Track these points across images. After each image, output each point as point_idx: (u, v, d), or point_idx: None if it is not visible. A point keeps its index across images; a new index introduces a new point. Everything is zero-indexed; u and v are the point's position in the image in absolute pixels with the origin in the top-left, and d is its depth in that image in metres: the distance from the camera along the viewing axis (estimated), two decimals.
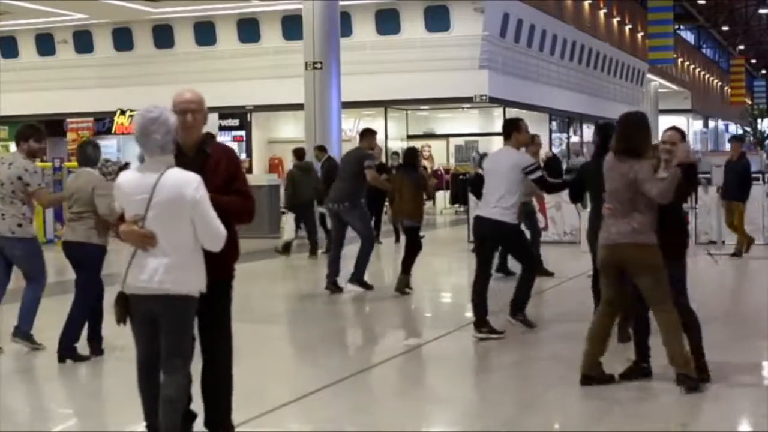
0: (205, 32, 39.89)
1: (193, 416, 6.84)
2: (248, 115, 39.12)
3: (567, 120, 48.58)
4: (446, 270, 14.89)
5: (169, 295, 6.08)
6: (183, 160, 6.33)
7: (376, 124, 37.95)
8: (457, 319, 12.25)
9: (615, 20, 57.29)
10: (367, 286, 14.76)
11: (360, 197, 14.74)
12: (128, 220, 6.13)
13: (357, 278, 14.76)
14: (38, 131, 10.69)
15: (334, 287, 14.63)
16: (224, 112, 38.27)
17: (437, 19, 36.87)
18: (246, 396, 8.45)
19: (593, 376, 8.29)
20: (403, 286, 14.34)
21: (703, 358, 8.43)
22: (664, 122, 67.20)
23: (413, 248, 14.47)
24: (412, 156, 14.92)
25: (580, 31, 48.95)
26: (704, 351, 8.46)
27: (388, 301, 14.10)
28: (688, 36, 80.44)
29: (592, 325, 8.44)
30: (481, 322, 10.89)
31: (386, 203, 19.17)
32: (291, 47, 32.56)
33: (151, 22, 40.33)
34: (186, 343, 6.28)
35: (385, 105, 37.00)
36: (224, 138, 39.01)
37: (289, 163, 35.71)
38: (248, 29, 39.21)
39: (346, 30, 32.63)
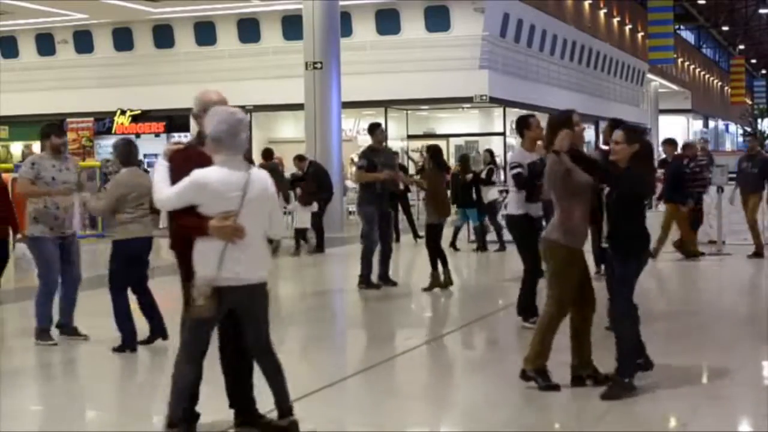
0: (205, 32, 39.89)
1: (197, 416, 7.00)
2: (248, 115, 38.97)
3: None
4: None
5: (262, 283, 6.71)
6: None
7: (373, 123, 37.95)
8: (458, 319, 12.25)
9: (615, 20, 57.29)
10: (373, 286, 14.81)
11: (366, 197, 14.91)
12: (221, 216, 6.46)
13: (362, 277, 14.87)
14: (57, 127, 11.14)
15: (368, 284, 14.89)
16: None
17: (437, 19, 36.87)
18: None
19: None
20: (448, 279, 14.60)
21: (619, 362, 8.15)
22: (665, 122, 67.46)
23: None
24: (442, 154, 15.33)
25: (581, 31, 48.95)
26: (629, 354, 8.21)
27: (391, 300, 14.10)
28: (689, 36, 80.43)
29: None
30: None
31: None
32: (291, 47, 32.58)
33: (151, 22, 40.33)
34: (267, 325, 6.87)
35: (386, 105, 36.97)
36: None
37: (289, 164, 35.82)
38: (248, 29, 39.21)
39: (346, 30, 32.62)
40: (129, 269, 10.41)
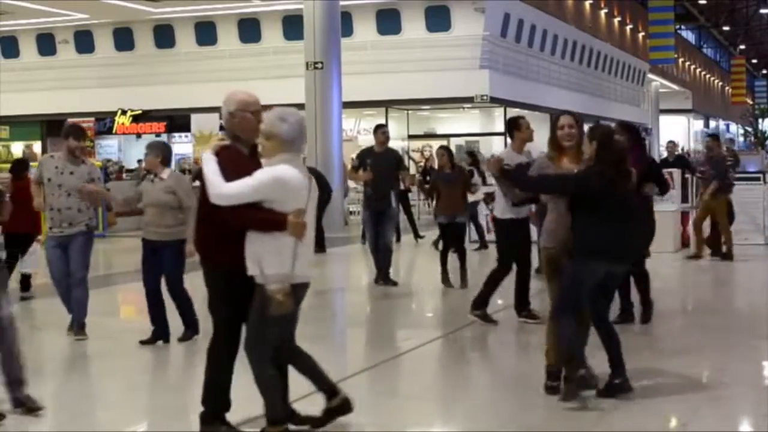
0: (205, 32, 39.90)
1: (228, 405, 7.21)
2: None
3: None
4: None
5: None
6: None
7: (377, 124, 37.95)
8: (459, 319, 12.24)
9: (616, 20, 57.29)
10: (391, 282, 15.03)
11: (363, 199, 15.37)
12: (297, 213, 6.60)
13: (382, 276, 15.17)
14: (79, 129, 11.18)
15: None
16: None
17: (438, 19, 36.87)
18: (248, 394, 8.46)
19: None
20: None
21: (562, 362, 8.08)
22: (665, 122, 67.44)
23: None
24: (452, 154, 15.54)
25: (581, 31, 48.95)
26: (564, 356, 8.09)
27: (392, 300, 14.10)
28: (689, 36, 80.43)
29: None
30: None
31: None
32: (292, 47, 32.59)
33: (151, 22, 40.33)
34: None
35: (386, 105, 36.99)
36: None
37: None
38: (249, 29, 39.21)
39: (347, 30, 32.63)
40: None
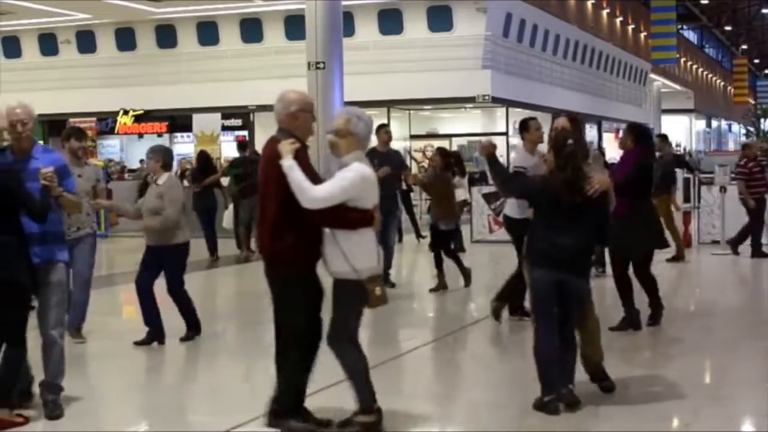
0: (207, 32, 39.90)
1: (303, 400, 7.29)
2: (251, 115, 39.09)
3: None
4: (453, 270, 14.90)
5: None
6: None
7: (379, 123, 37.96)
8: (461, 319, 12.24)
9: (618, 20, 57.29)
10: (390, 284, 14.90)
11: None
12: (377, 208, 6.91)
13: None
14: (79, 130, 11.32)
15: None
16: (227, 112, 38.34)
17: (440, 19, 36.86)
18: (254, 394, 8.47)
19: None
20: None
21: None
22: (667, 122, 67.43)
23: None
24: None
25: (583, 30, 48.93)
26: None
27: (393, 300, 14.02)
28: (691, 36, 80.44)
29: None
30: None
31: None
32: (294, 47, 32.55)
33: (153, 22, 40.34)
34: None
35: (388, 105, 36.99)
36: (227, 138, 39.08)
37: None
38: (251, 29, 39.21)
39: (349, 30, 32.60)
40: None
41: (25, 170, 7.52)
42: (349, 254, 6.78)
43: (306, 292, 6.99)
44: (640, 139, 11.12)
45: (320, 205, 6.72)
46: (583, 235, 7.62)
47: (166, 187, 10.53)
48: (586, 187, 7.60)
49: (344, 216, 6.82)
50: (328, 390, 8.08)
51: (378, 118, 37.57)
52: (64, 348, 7.89)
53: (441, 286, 14.57)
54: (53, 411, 7.71)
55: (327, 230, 6.87)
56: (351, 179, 6.76)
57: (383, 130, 15.27)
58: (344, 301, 6.87)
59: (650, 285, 11.43)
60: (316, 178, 6.84)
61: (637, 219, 10.74)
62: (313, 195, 6.70)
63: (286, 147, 6.90)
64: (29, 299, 7.59)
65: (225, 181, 20.92)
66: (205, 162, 21.30)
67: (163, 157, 10.68)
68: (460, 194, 18.82)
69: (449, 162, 15.32)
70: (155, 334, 10.61)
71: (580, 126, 9.38)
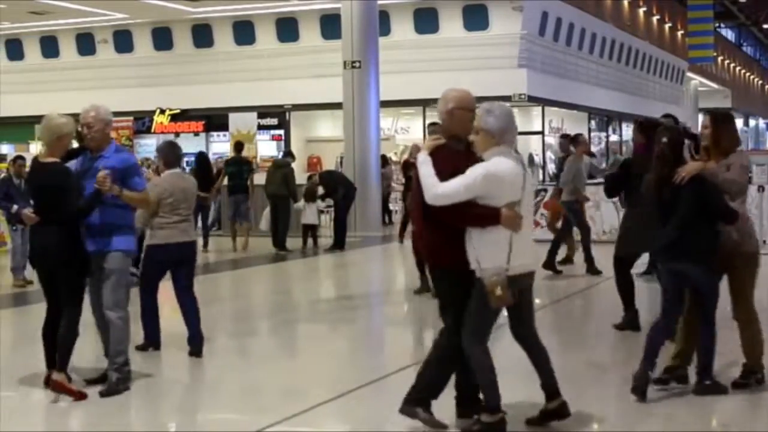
0: (244, 31, 39.99)
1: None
2: (287, 114, 39.16)
3: (606, 119, 48.37)
4: None
5: (533, 272, 7.10)
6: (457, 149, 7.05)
7: (415, 123, 37.98)
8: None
9: (655, 18, 57.00)
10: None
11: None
12: (509, 205, 6.75)
13: None
14: None
15: None
16: (263, 111, 38.40)
17: (476, 18, 36.78)
18: (284, 395, 8.49)
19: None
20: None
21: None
22: None
23: None
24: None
25: (620, 29, 48.71)
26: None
27: (425, 302, 14.03)
28: (729, 34, 79.92)
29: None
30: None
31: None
32: (329, 46, 32.58)
33: (190, 22, 40.48)
34: None
35: (424, 104, 36.92)
36: (263, 137, 39.19)
37: (328, 161, 35.83)
38: (287, 28, 39.27)
39: (385, 29, 32.60)
40: (160, 274, 10.44)
41: (92, 169, 8.27)
42: (477, 252, 6.78)
43: (455, 289, 7.01)
44: (650, 137, 11.13)
45: (442, 202, 6.73)
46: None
47: (151, 185, 10.16)
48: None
49: (468, 213, 6.80)
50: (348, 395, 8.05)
51: (414, 117, 37.70)
52: (124, 329, 8.52)
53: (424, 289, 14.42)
54: (107, 388, 8.38)
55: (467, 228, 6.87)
56: (473, 177, 6.71)
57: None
58: (474, 299, 6.88)
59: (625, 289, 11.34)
60: (455, 175, 6.81)
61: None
62: (435, 191, 6.73)
63: (428, 143, 7.10)
64: (84, 272, 8.38)
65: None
66: (205, 164, 21.59)
67: (165, 155, 10.53)
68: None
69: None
70: (152, 338, 10.48)
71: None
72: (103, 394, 8.28)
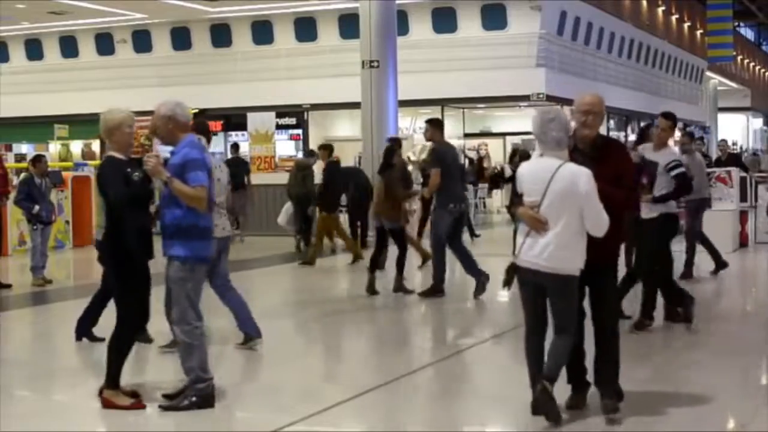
0: (262, 31, 40.07)
1: (587, 385, 7.68)
2: (305, 114, 39.23)
3: (625, 118, 48.27)
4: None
5: (555, 274, 7.07)
6: (579, 155, 7.31)
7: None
8: (509, 321, 12.20)
9: (673, 18, 56.84)
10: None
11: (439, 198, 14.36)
12: (527, 204, 7.14)
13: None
14: None
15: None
16: (281, 111, 38.42)
17: (494, 17, 36.78)
18: (301, 395, 8.50)
19: None
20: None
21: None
22: (724, 120, 66.82)
23: (402, 250, 14.81)
24: (386, 154, 15.10)
25: (638, 28, 48.62)
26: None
27: (440, 303, 13.99)
28: (748, 33, 79.66)
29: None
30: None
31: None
32: (348, 46, 32.60)
33: (208, 22, 40.58)
34: (571, 313, 7.20)
35: (442, 103, 36.94)
36: (281, 136, 39.22)
37: (346, 161, 35.86)
38: (305, 28, 39.33)
39: (403, 28, 32.61)
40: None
41: (166, 165, 8.10)
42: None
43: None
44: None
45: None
46: None
47: None
48: None
49: (625, 198, 7.47)
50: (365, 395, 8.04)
51: (432, 116, 37.63)
52: (189, 345, 8.05)
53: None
54: (169, 403, 8.14)
55: (573, 232, 7.08)
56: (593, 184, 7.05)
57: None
58: (573, 296, 7.18)
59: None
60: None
61: None
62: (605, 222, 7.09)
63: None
64: (129, 272, 8.16)
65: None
66: None
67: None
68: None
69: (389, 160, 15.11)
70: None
71: None
72: (162, 408, 8.06)
